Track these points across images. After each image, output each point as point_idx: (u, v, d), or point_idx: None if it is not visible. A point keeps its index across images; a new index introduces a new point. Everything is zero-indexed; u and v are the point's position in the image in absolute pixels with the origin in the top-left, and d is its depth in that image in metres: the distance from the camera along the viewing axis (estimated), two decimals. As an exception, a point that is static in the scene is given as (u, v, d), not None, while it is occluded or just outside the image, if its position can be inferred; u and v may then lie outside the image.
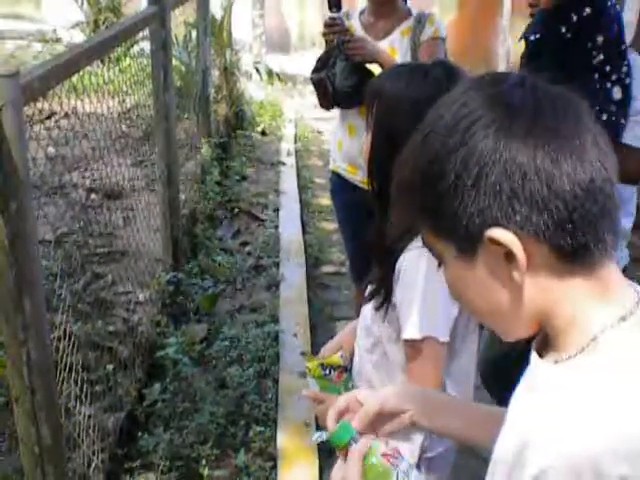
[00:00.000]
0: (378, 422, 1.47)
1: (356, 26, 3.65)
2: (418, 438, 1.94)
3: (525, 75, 1.09)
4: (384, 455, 1.34)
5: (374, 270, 2.04)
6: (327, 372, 2.12)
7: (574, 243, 1.02)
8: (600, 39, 2.53)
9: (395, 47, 3.55)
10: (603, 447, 0.94)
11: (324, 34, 3.52)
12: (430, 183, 1.07)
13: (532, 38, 2.60)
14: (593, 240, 1.03)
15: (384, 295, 1.96)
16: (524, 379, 1.16)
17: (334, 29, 3.46)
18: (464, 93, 1.08)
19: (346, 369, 2.17)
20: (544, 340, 1.14)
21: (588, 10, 2.52)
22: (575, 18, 2.51)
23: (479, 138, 1.02)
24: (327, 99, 3.60)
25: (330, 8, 3.46)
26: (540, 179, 1.00)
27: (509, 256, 1.03)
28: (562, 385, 1.03)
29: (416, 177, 1.10)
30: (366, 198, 3.23)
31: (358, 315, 2.19)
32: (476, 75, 1.16)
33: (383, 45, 3.54)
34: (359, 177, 3.60)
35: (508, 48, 9.51)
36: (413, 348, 1.90)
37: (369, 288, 2.04)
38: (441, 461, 2.08)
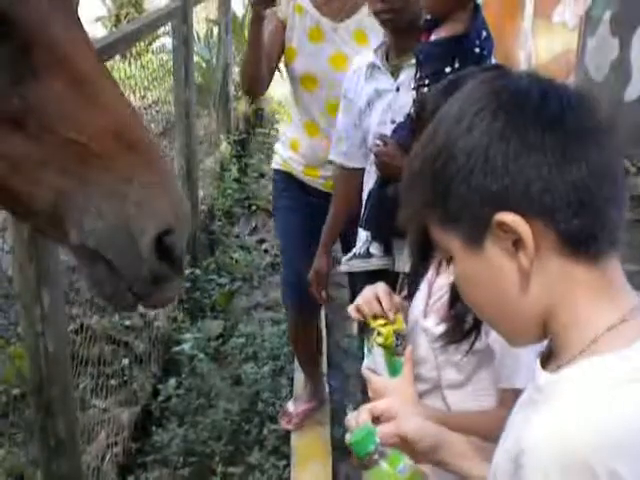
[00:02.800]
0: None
1: (305, 6, 3.18)
2: None
3: (532, 70, 1.12)
4: None
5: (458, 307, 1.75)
6: (399, 342, 1.79)
7: (582, 230, 1.02)
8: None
9: (364, 29, 3.12)
10: (592, 445, 0.94)
11: (253, 4, 3.01)
12: (439, 169, 1.08)
13: (448, 70, 2.39)
14: (600, 229, 1.03)
15: (473, 340, 1.75)
16: (526, 392, 1.16)
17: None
18: (472, 88, 1.10)
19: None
20: (548, 353, 1.14)
21: (485, 33, 2.49)
22: (477, 42, 2.47)
23: (487, 122, 1.03)
24: None
25: None
26: (549, 163, 1.00)
27: (517, 243, 1.03)
28: (557, 391, 1.03)
29: (426, 166, 1.11)
30: (328, 203, 3.15)
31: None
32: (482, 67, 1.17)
33: (348, 27, 3.16)
34: (320, 180, 3.34)
35: (529, 51, 9.48)
36: (513, 397, 1.76)
37: (444, 327, 1.79)
38: None
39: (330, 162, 3.05)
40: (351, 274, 3.05)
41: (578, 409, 0.98)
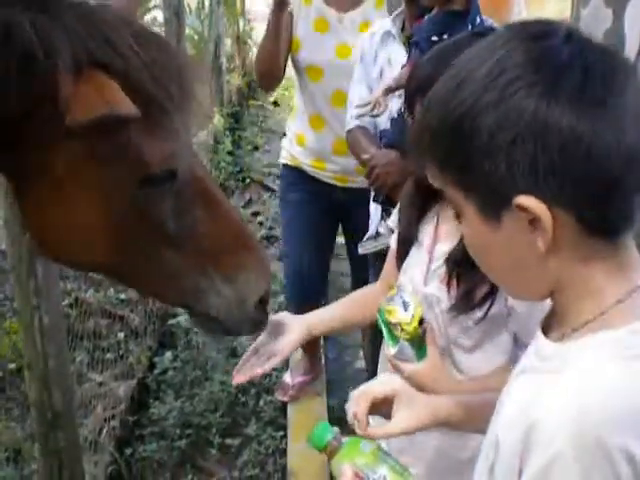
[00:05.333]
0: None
1: None
2: None
3: (572, 29, 1.01)
4: (356, 474, 1.32)
5: (468, 275, 1.75)
6: (422, 332, 1.76)
7: (603, 218, 0.99)
8: None
9: (369, 21, 3.12)
10: (604, 420, 0.92)
11: None
12: (460, 138, 1.01)
13: (435, 39, 2.42)
14: (621, 217, 1.01)
15: (487, 307, 1.75)
16: (526, 357, 1.14)
17: None
18: (505, 44, 1.01)
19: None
20: (549, 317, 1.12)
21: (479, 19, 2.48)
22: (470, 26, 2.46)
23: (520, 98, 0.96)
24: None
25: None
26: (580, 150, 0.95)
27: (534, 222, 0.99)
28: (569, 362, 1.00)
29: (445, 128, 1.04)
30: (336, 196, 3.16)
31: None
32: (516, 22, 1.08)
33: (354, 18, 3.15)
34: (329, 173, 3.31)
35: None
36: None
37: (459, 293, 1.78)
38: None
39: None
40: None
41: (594, 383, 0.96)
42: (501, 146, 0.97)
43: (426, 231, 1.92)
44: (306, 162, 3.36)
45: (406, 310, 1.74)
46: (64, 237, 1.50)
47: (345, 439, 1.41)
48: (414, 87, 1.85)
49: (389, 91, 2.57)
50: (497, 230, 1.04)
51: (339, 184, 3.18)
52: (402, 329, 1.74)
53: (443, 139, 1.05)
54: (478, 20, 2.48)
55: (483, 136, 0.98)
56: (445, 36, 2.40)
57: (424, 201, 1.92)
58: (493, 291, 1.71)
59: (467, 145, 1.00)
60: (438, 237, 1.88)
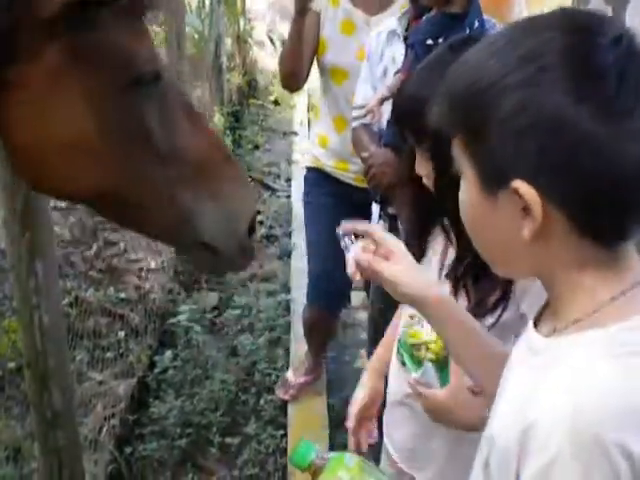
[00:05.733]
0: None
1: (341, 0, 3.18)
2: None
3: (625, 30, 0.99)
4: None
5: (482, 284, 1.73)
6: (447, 354, 1.69)
7: (594, 224, 0.99)
8: None
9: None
10: (600, 418, 0.92)
11: None
12: (482, 104, 1.01)
13: (430, 42, 2.42)
14: (616, 231, 1.01)
15: (499, 313, 1.73)
16: (517, 348, 1.14)
17: None
18: (551, 29, 0.99)
19: None
20: (542, 310, 1.13)
21: (477, 23, 2.48)
22: (468, 30, 2.45)
23: (547, 88, 0.95)
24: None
25: None
26: (594, 156, 0.94)
27: (526, 210, 0.99)
28: (562, 358, 1.00)
29: (470, 91, 1.03)
30: (357, 197, 3.14)
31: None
32: (568, 8, 1.07)
33: (381, 21, 3.05)
34: (351, 174, 3.30)
35: (524, 19, 9.46)
36: None
37: (470, 303, 1.75)
38: None
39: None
40: None
41: (587, 381, 0.95)
42: (515, 128, 0.97)
43: (436, 241, 1.90)
44: (328, 164, 3.38)
45: (429, 333, 1.71)
46: (48, 157, 1.43)
47: (328, 455, 1.39)
48: (402, 105, 1.85)
49: (383, 100, 2.57)
50: (491, 205, 1.05)
51: (360, 185, 3.17)
52: (428, 348, 1.72)
53: (465, 101, 1.04)
54: (477, 23, 2.47)
55: (502, 111, 0.98)
56: (440, 40, 2.40)
57: (425, 218, 1.91)
58: (505, 297, 1.70)
59: (486, 113, 1.00)
60: (450, 244, 1.86)
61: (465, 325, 1.42)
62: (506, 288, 1.69)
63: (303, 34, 3.09)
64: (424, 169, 1.76)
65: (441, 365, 1.72)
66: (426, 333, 1.72)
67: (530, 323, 1.12)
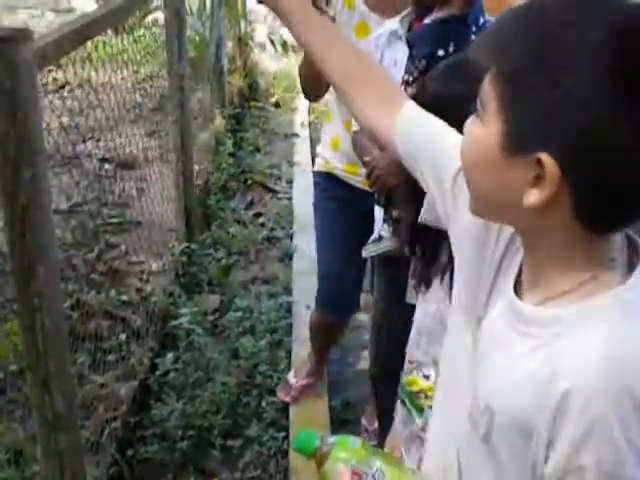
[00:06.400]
0: None
1: (355, 0, 3.14)
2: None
3: None
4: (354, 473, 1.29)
5: None
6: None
7: (598, 217, 1.01)
8: None
9: None
10: (636, 375, 0.95)
11: None
12: (524, 63, 0.99)
13: (441, 53, 2.41)
14: (614, 223, 1.03)
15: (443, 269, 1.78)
16: (501, 317, 1.14)
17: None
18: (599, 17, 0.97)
19: None
20: (517, 279, 1.14)
21: (482, 20, 2.47)
22: (474, 28, 2.44)
23: (599, 63, 0.94)
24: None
25: None
26: (626, 150, 0.95)
27: (538, 180, 1.00)
28: (572, 328, 1.01)
29: (532, 32, 1.00)
30: (368, 202, 3.13)
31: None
32: None
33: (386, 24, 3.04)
34: (360, 178, 3.18)
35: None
36: None
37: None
38: None
39: None
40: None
41: (619, 342, 0.97)
42: (554, 97, 0.96)
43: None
44: (339, 167, 3.36)
45: (428, 380, 1.74)
46: None
47: (332, 439, 1.38)
48: (424, 104, 1.84)
49: None
50: (503, 161, 1.04)
51: (369, 189, 3.17)
52: (426, 396, 1.73)
53: (524, 41, 1.01)
54: (482, 20, 2.47)
55: (542, 75, 0.97)
56: (451, 48, 2.40)
57: None
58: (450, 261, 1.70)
59: (525, 71, 0.99)
60: None
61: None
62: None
63: None
64: None
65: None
66: (422, 380, 1.74)
67: (511, 292, 1.13)
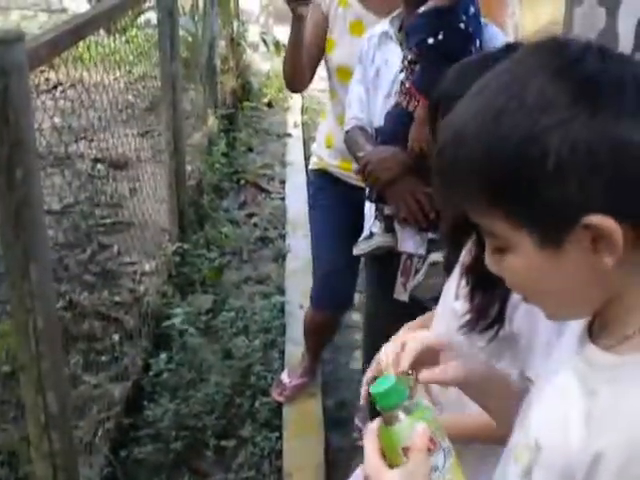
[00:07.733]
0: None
1: (350, 1, 3.18)
2: None
3: (598, 45, 0.97)
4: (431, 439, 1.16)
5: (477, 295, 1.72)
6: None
7: None
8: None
9: None
10: None
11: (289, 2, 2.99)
12: (524, 165, 0.93)
13: (431, 41, 2.45)
14: None
15: (497, 328, 1.69)
16: (570, 357, 1.09)
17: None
18: (536, 75, 0.95)
19: None
20: (592, 323, 1.09)
21: (473, 9, 2.49)
22: (464, 17, 2.46)
23: (585, 115, 0.91)
24: None
25: None
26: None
27: (597, 240, 0.94)
28: (630, 382, 0.96)
29: (498, 159, 0.95)
30: (361, 199, 3.13)
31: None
32: (531, 44, 1.02)
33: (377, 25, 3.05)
34: (353, 174, 3.17)
35: (516, 21, 9.44)
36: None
37: (467, 316, 1.72)
38: None
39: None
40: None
41: None
42: (573, 168, 0.92)
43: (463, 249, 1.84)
44: (333, 164, 3.39)
45: None
46: None
47: (416, 400, 1.22)
48: (432, 110, 1.82)
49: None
50: (556, 256, 0.98)
51: (363, 185, 3.17)
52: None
53: (495, 171, 0.96)
54: (472, 9, 2.48)
55: (551, 159, 0.92)
56: (440, 36, 2.42)
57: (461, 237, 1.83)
58: (503, 311, 1.66)
59: (530, 173, 0.94)
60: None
61: None
62: (504, 302, 1.65)
63: (301, 39, 3.10)
64: None
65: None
66: None
67: (586, 337, 1.08)
